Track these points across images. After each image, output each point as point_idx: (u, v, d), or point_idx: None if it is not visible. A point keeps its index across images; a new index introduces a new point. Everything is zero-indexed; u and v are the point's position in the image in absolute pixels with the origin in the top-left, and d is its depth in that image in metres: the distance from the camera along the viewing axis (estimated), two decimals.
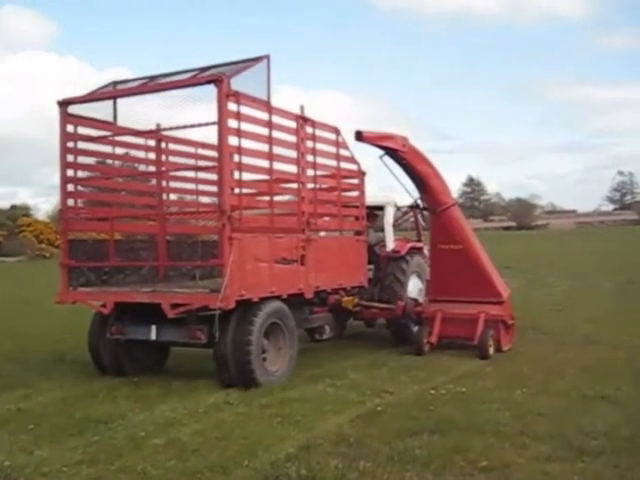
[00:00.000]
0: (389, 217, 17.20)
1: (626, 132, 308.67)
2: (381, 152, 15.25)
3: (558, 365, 13.32)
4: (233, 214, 11.18)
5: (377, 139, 14.90)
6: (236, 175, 11.50)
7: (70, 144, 12.66)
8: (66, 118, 12.53)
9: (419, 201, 16.23)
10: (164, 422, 9.52)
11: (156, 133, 13.63)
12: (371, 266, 16.88)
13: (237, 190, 11.65)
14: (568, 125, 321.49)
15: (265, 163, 12.09)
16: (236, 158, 11.41)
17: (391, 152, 15.17)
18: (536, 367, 13.18)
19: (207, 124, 11.26)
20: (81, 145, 12.87)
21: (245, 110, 11.45)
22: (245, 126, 11.47)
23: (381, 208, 17.42)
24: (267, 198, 12.61)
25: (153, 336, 12.05)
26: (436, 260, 16.15)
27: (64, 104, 12.48)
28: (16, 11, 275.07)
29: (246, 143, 11.55)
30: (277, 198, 13.00)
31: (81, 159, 12.93)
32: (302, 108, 12.87)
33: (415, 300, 16.22)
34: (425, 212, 16.91)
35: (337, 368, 13.24)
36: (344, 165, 14.38)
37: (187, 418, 9.71)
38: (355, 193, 15.20)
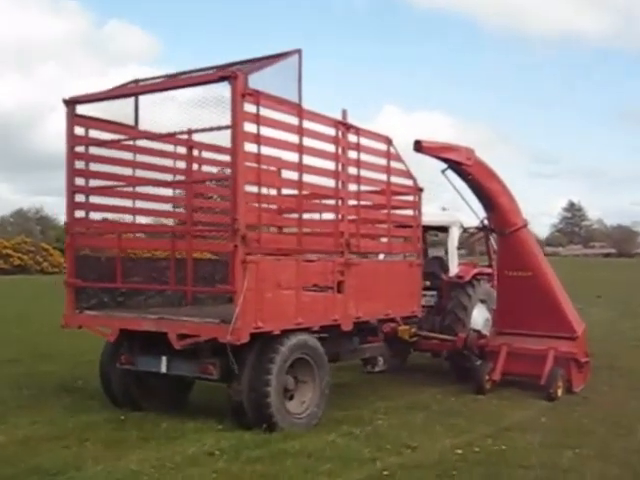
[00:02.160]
0: (453, 239, 15.20)
1: None
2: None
3: (627, 418, 11.23)
4: (250, 233, 9.39)
5: (438, 150, 12.99)
6: (254, 189, 9.67)
7: (79, 149, 11.07)
8: (74, 119, 10.91)
9: (485, 221, 14.14)
10: (121, 478, 7.73)
11: (187, 139, 12.00)
12: (434, 292, 15.05)
13: (256, 205, 9.81)
14: None
15: (293, 175, 10.30)
16: (254, 168, 9.56)
17: (454, 166, 13.22)
18: (600, 418, 11.15)
19: (219, 128, 9.57)
20: (96, 151, 11.31)
21: (267, 112, 9.63)
22: (267, 131, 9.66)
23: (445, 229, 15.43)
24: (295, 215, 10.66)
25: (163, 369, 10.34)
26: (503, 288, 14.15)
27: (71, 103, 10.85)
28: (121, 26, 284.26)
29: (268, 151, 9.79)
30: (308, 216, 11.20)
31: (94, 166, 11.30)
32: (344, 112, 11.02)
33: (478, 332, 14.18)
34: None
35: (368, 410, 11.40)
36: (396, 180, 12.38)
37: (151, 474, 7.87)
38: (409, 212, 13.16)
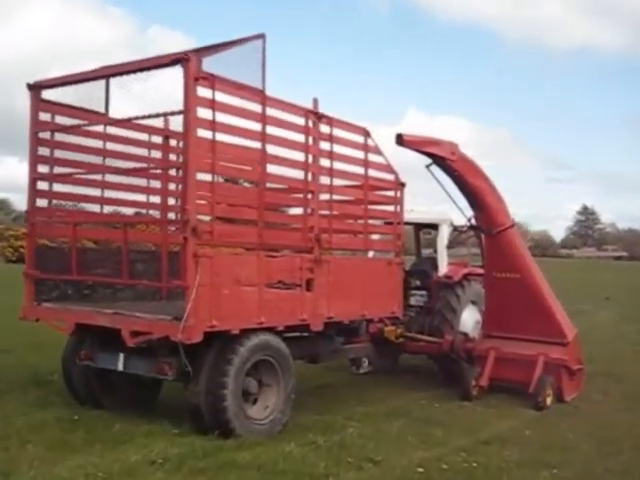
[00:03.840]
0: (443, 237, 14.29)
1: None
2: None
3: (617, 432, 10.22)
4: (202, 225, 8.53)
5: (421, 144, 12.10)
6: (207, 177, 8.76)
7: (44, 135, 10.24)
8: (39, 104, 10.09)
9: (473, 220, 13.21)
10: None
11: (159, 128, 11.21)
12: (424, 292, 14.16)
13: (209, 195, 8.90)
14: None
15: (255, 165, 9.40)
16: (208, 156, 8.67)
17: (439, 161, 12.29)
18: (587, 433, 10.16)
19: (172, 113, 8.77)
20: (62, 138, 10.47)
21: (224, 98, 8.75)
22: (224, 118, 8.77)
23: (435, 227, 14.53)
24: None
25: (120, 366, 9.50)
26: (491, 290, 13.24)
27: (35, 88, 10.03)
28: (162, 31, 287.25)
29: (225, 138, 8.87)
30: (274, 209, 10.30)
31: (59, 153, 10.47)
32: (315, 101, 10.13)
33: (465, 334, 13.25)
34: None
35: (342, 416, 10.46)
36: (374, 174, 11.43)
37: None
38: (389, 207, 12.21)
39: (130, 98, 9.75)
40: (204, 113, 8.51)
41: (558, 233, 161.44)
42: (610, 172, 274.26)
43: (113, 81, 9.91)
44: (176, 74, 8.42)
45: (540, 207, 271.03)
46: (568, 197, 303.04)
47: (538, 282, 12.79)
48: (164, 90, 9.22)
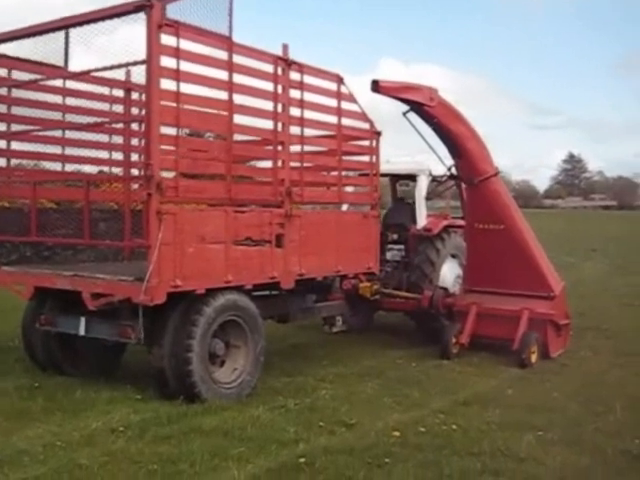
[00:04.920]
0: (421, 188, 14.11)
1: None
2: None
3: (606, 391, 10.06)
4: (166, 181, 8.29)
5: (398, 90, 11.85)
6: (172, 130, 8.52)
7: (0, 91, 10.05)
8: None
9: (453, 169, 13.00)
10: (1, 458, 6.70)
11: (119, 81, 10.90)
12: (401, 246, 14.01)
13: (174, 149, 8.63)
14: None
15: (221, 116, 9.12)
16: (172, 107, 8.38)
17: (417, 107, 12.06)
18: (575, 392, 10.01)
19: (135, 63, 8.45)
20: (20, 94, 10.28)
21: (189, 46, 8.48)
22: (188, 67, 8.50)
23: (413, 177, 14.33)
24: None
25: (82, 331, 9.34)
26: (473, 242, 13.13)
27: None
28: None
29: (190, 89, 8.61)
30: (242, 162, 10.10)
31: (17, 110, 10.28)
32: (285, 48, 9.86)
33: (445, 289, 13.12)
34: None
35: (314, 377, 10.37)
36: (348, 123, 11.20)
37: (36, 455, 6.83)
38: (365, 158, 11.98)
39: (91, 52, 9.47)
40: (168, 62, 8.27)
41: (542, 183, 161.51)
42: (598, 118, 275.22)
43: (73, 33, 9.58)
44: (139, 26, 8.19)
45: (523, 156, 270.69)
46: (553, 145, 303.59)
47: (523, 233, 12.69)
48: (127, 43, 8.93)
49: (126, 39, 8.83)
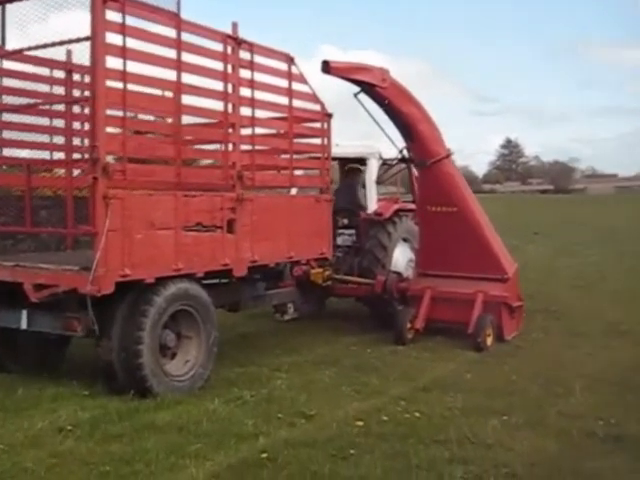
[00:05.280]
0: (372, 172, 13.83)
1: None
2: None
3: (564, 372, 9.99)
4: (113, 164, 7.86)
5: (349, 70, 11.52)
6: (118, 113, 8.06)
7: None
8: None
9: (405, 152, 12.75)
10: None
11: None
12: (352, 231, 13.74)
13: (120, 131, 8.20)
14: (613, 88, 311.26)
15: (169, 96, 8.73)
16: (119, 87, 7.95)
17: (368, 89, 11.75)
18: (533, 374, 9.89)
19: (78, 40, 8.04)
20: None
21: (135, 22, 8.08)
22: (135, 44, 8.09)
23: (363, 161, 14.04)
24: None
25: (24, 325, 8.80)
26: (426, 225, 12.91)
27: None
28: None
29: (137, 68, 8.19)
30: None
31: None
32: (235, 26, 9.47)
33: (398, 274, 12.89)
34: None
35: (268, 367, 10.07)
36: (299, 104, 10.87)
37: None
38: (316, 140, 11.67)
39: (31, 33, 9.01)
40: (113, 39, 7.85)
41: (480, 168, 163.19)
42: (536, 104, 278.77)
43: (10, 9, 9.13)
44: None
45: (463, 142, 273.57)
46: (492, 130, 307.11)
47: (476, 215, 12.54)
48: (69, 23, 8.55)
49: (69, 19, 8.45)
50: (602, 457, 6.82)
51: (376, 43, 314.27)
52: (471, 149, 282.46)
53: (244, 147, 9.85)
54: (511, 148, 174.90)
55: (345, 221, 14.09)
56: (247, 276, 10.02)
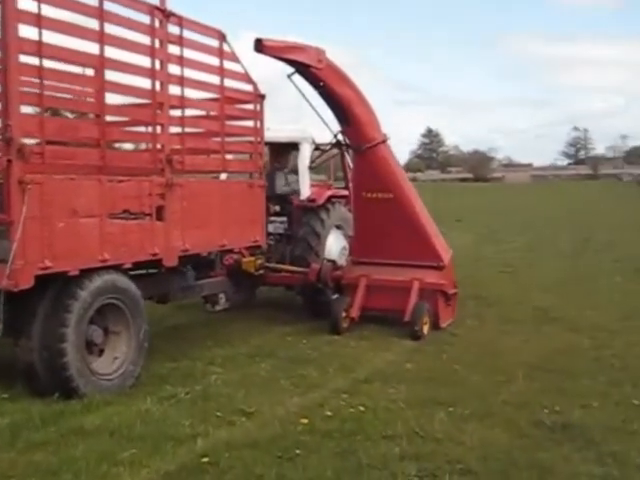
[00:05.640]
0: (304, 157, 13.32)
1: (582, 89, 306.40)
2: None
3: (503, 359, 9.86)
4: (30, 146, 7.15)
5: (283, 50, 10.89)
6: (34, 88, 7.33)
7: None
8: None
9: (340, 136, 12.26)
10: None
11: None
12: (284, 218, 13.22)
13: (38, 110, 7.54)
14: (530, 80, 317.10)
15: (89, 72, 8.09)
16: (34, 62, 7.23)
17: (303, 69, 11.21)
18: (473, 362, 9.69)
19: None
20: None
21: None
22: (51, 12, 7.35)
23: (295, 146, 13.49)
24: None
25: None
26: (360, 212, 12.46)
27: None
28: None
29: (54, 38, 7.44)
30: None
31: None
32: None
33: (333, 262, 12.46)
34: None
35: (201, 361, 9.54)
36: (231, 84, 10.26)
37: None
38: (249, 123, 11.07)
39: None
40: (27, 4, 7.13)
41: (402, 157, 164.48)
42: (457, 95, 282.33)
43: None
44: None
45: (386, 131, 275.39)
46: (415, 121, 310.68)
47: (412, 202, 12.16)
48: None
49: None
50: (553, 447, 6.68)
51: (297, 30, 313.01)
52: (393, 138, 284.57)
53: (173, 129, 9.22)
54: (432, 137, 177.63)
55: (277, 208, 13.54)
56: (177, 266, 9.43)
